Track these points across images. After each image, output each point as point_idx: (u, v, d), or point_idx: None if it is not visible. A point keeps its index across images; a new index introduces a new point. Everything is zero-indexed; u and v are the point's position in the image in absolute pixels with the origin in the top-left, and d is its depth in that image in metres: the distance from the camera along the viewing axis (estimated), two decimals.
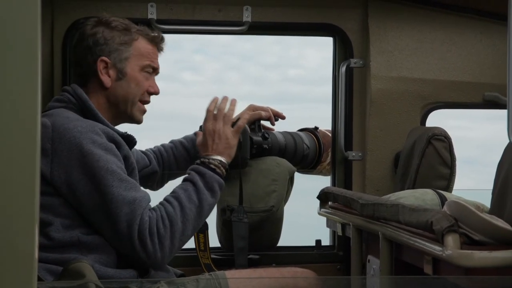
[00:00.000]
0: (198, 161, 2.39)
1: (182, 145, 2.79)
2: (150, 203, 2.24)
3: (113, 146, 2.23)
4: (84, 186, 2.17)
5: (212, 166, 2.36)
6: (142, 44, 2.41)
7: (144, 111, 2.45)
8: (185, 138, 2.82)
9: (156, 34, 2.46)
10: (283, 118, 2.83)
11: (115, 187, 2.17)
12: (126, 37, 2.38)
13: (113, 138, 2.24)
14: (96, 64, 2.36)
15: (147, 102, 2.45)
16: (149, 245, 2.17)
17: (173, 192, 2.31)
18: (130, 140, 2.37)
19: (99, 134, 2.20)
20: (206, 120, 2.46)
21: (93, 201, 2.18)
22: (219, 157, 2.39)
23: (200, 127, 2.74)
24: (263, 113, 2.73)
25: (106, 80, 2.35)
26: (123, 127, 2.48)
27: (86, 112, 2.31)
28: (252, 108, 2.78)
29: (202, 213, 2.30)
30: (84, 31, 2.39)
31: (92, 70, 2.36)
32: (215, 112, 2.48)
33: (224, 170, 2.39)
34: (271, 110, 2.78)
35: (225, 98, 2.50)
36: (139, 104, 2.43)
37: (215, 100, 2.49)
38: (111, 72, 2.36)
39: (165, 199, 2.29)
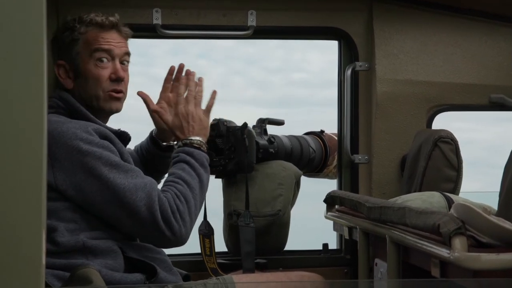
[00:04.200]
0: (180, 143, 2.41)
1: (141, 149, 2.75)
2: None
3: (108, 143, 2.24)
4: (92, 185, 2.18)
5: (196, 145, 2.40)
6: (91, 34, 2.36)
7: (115, 98, 2.37)
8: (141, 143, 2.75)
9: (105, 19, 2.37)
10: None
11: (123, 178, 2.19)
12: (75, 33, 2.36)
13: (105, 135, 2.25)
14: (55, 69, 2.37)
15: (116, 90, 2.37)
16: (173, 222, 2.21)
17: (172, 174, 2.33)
18: (124, 137, 2.38)
19: (92, 134, 2.21)
20: (178, 103, 2.45)
21: (105, 197, 2.19)
22: (197, 138, 2.41)
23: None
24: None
25: (67, 82, 2.36)
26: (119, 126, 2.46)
27: (75, 114, 2.31)
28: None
29: (203, 187, 2.35)
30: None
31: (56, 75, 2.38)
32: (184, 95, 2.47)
33: (205, 148, 2.41)
34: None
35: (192, 80, 2.48)
36: (106, 95, 2.36)
37: (183, 83, 2.47)
38: (70, 73, 2.36)
39: (170, 180, 2.31)
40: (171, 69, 2.55)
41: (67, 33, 2.37)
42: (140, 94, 2.51)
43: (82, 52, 2.35)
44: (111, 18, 2.39)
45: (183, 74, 2.52)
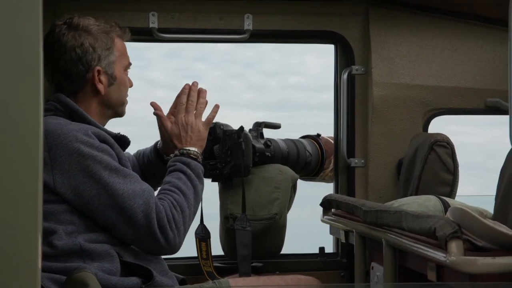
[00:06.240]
0: (177, 153, 2.44)
1: (144, 155, 2.76)
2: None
3: (107, 146, 2.26)
4: (91, 189, 2.19)
5: (192, 156, 2.43)
6: (118, 43, 2.42)
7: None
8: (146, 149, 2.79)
9: (124, 29, 2.45)
10: None
11: (122, 183, 2.21)
12: (108, 40, 2.38)
13: (104, 139, 2.27)
14: (89, 74, 2.35)
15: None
16: (169, 231, 2.24)
17: (169, 182, 2.35)
18: (124, 141, 2.40)
19: (93, 137, 2.23)
20: (178, 112, 2.48)
21: (103, 201, 2.20)
22: (194, 148, 2.45)
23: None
24: None
25: (101, 87, 2.37)
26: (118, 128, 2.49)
27: (75, 117, 2.32)
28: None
29: (198, 198, 2.38)
30: (66, 41, 2.34)
31: (85, 80, 2.35)
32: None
33: (201, 159, 2.45)
34: None
35: (194, 90, 2.50)
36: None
37: (185, 92, 2.50)
38: (103, 78, 2.38)
39: (166, 189, 2.33)
40: (185, 87, 2.55)
41: (103, 36, 2.36)
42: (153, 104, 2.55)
43: (117, 61, 2.40)
44: (127, 30, 2.46)
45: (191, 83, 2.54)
